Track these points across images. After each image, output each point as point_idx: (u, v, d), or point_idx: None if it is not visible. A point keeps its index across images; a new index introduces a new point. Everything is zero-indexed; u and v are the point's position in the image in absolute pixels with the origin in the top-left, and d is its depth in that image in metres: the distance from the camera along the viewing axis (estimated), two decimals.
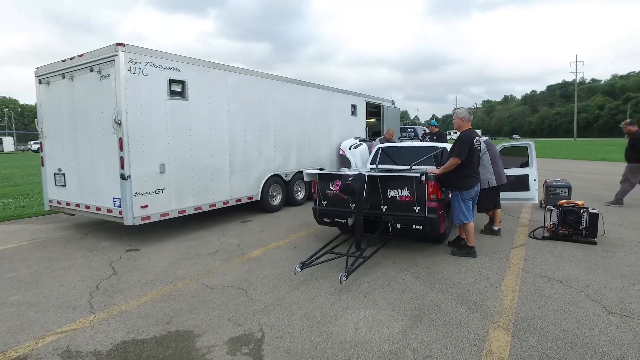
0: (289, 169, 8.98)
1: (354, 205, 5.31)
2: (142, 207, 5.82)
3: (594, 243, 5.51)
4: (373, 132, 14.20)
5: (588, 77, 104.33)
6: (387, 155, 7.25)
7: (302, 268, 4.30)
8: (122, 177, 5.60)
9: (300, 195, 9.46)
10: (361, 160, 10.46)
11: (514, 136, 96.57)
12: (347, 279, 4.06)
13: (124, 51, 5.40)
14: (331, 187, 5.47)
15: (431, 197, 4.88)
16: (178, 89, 6.30)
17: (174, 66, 6.17)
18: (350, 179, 4.86)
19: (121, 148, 5.57)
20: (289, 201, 9.04)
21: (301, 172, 9.31)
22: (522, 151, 7.54)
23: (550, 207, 5.97)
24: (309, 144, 9.69)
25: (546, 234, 5.91)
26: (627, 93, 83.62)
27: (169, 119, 6.14)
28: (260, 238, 6.36)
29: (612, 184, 11.69)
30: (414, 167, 6.39)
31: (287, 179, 8.88)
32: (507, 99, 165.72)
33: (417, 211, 4.94)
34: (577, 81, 74.84)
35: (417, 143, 7.67)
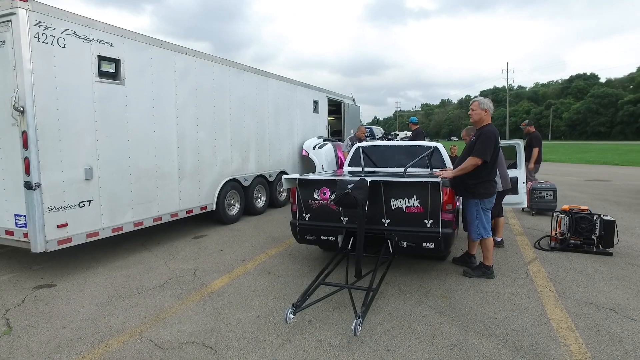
0: (248, 172, 7.68)
1: (347, 218, 4.24)
2: (59, 227, 4.27)
3: (610, 254, 4.91)
4: (333, 132, 13.24)
5: (515, 85, 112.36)
6: (367, 156, 6.26)
7: (295, 312, 3.11)
8: (28, 185, 4.03)
9: (261, 202, 8.19)
10: (327, 162, 9.44)
11: (452, 138, 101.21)
12: (362, 326, 2.95)
13: (27, 9, 3.84)
14: (316, 196, 4.32)
15: (447, 207, 3.93)
16: (110, 70, 4.81)
17: (105, 39, 4.68)
18: (350, 186, 3.75)
19: (25, 146, 4.00)
20: (248, 210, 7.74)
21: (262, 176, 8.07)
22: (508, 151, 6.94)
23: (558, 214, 5.31)
24: (270, 143, 8.45)
25: (553, 244, 5.24)
26: (548, 100, 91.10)
27: (98, 108, 4.63)
28: (221, 260, 5.04)
29: (571, 184, 11.74)
30: (408, 171, 5.46)
31: (246, 184, 7.57)
32: (445, 103, 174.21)
33: (429, 225, 3.96)
34: (508, 87, 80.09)
35: (401, 142, 6.78)
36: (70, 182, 4.36)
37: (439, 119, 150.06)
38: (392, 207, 4.05)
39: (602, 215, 5.06)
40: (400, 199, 4.02)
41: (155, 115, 5.46)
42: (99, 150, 4.67)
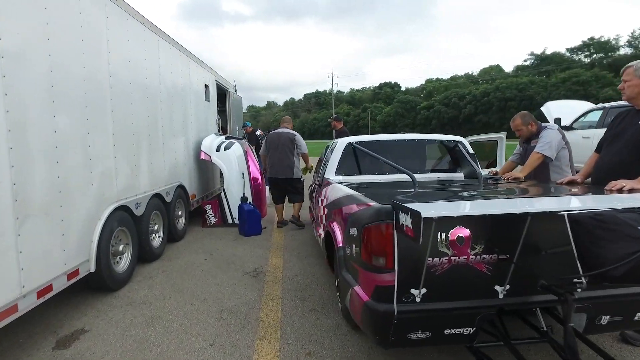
0: (141, 190, 4.47)
1: (507, 287, 2.06)
2: None
3: None
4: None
5: (334, 90, 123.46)
6: (358, 159, 4.19)
7: None
8: None
9: (158, 239, 5.00)
10: (238, 168, 6.74)
11: None
12: None
13: None
14: (445, 249, 1.98)
15: None
16: None
17: None
18: None
19: None
20: (142, 254, 4.52)
21: (158, 196, 4.94)
22: (488, 147, 5.86)
23: None
24: (164, 142, 5.29)
25: None
26: (364, 104, 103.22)
27: None
28: None
29: None
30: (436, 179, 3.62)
31: (139, 212, 4.36)
32: (270, 105, 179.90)
33: None
34: (329, 91, 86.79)
35: (407, 135, 4.73)
36: None
37: (267, 120, 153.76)
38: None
39: None
40: None
41: None
42: None
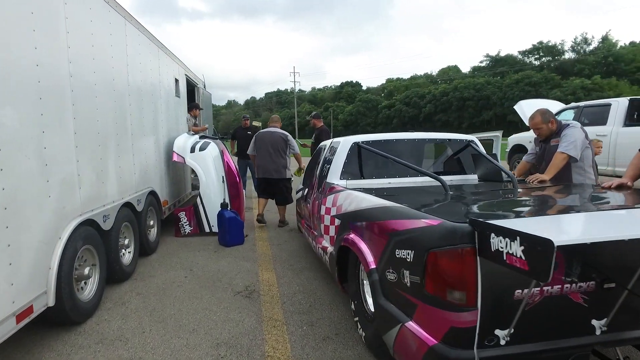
0: (109, 199, 3.76)
1: (606, 322, 1.66)
2: None
3: None
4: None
5: (295, 88, 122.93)
6: (360, 160, 3.76)
7: None
8: None
9: (129, 255, 4.29)
10: (215, 170, 6.11)
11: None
12: None
13: None
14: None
15: None
16: None
17: None
18: None
19: None
20: (110, 273, 3.81)
21: (128, 206, 4.25)
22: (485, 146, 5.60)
23: None
24: (134, 142, 4.58)
25: None
26: (326, 103, 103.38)
27: None
28: None
29: None
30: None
31: (107, 225, 3.65)
32: (231, 104, 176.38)
33: None
34: (291, 90, 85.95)
35: (414, 134, 4.27)
36: None
37: (227, 119, 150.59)
38: None
39: None
40: None
41: None
42: None
